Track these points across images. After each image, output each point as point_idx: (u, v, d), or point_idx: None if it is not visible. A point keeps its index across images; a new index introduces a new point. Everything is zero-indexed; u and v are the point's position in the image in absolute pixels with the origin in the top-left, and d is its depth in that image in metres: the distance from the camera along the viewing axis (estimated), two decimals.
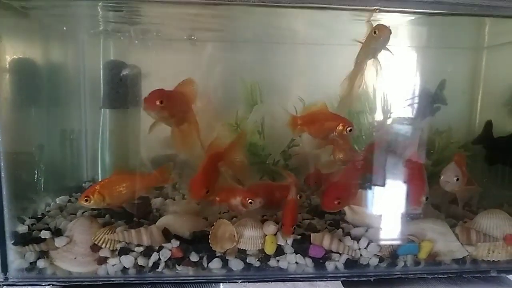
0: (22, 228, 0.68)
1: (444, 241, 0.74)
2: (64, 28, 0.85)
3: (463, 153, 0.83)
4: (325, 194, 0.72)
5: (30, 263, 0.66)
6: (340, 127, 0.73)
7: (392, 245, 0.72)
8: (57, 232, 0.68)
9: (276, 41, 0.96)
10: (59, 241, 0.66)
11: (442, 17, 0.74)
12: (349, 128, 0.73)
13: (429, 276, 0.73)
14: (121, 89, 0.93)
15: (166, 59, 0.98)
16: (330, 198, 0.70)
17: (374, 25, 0.71)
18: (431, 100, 0.93)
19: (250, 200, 0.69)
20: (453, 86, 0.95)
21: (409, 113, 0.93)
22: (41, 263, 0.66)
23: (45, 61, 0.86)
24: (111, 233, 0.67)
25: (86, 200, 0.66)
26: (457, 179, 0.74)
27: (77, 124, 0.95)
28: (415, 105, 0.93)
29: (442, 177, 0.75)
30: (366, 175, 0.78)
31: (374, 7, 0.62)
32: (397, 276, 0.72)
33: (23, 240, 0.66)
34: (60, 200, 0.84)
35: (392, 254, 0.72)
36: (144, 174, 0.75)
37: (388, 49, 0.73)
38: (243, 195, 0.69)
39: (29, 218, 0.72)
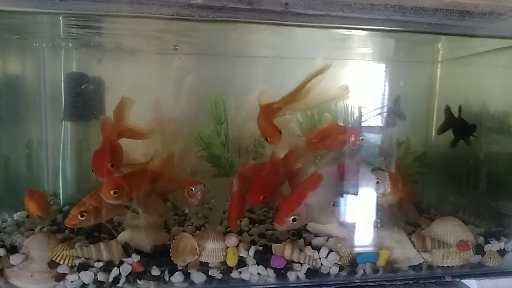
0: None
1: (401, 249, 0.77)
2: (31, 41, 0.84)
3: (400, 172, 0.83)
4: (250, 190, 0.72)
5: None
6: (353, 138, 0.77)
7: (351, 254, 0.74)
8: (12, 249, 0.66)
9: (239, 55, 0.97)
10: (14, 259, 0.65)
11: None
12: (361, 138, 0.77)
13: (387, 283, 0.76)
14: (82, 101, 0.92)
15: (129, 71, 0.98)
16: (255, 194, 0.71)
17: None
18: (390, 114, 0.97)
19: (191, 188, 0.71)
20: (410, 98, 0.99)
21: (371, 122, 0.97)
22: None
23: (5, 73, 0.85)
24: (69, 248, 0.66)
25: None
26: (377, 182, 0.76)
27: (37, 136, 0.93)
28: (377, 115, 0.96)
29: None
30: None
31: None
32: (356, 284, 0.74)
33: None
34: (18, 216, 0.82)
35: (351, 263, 0.74)
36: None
37: None
38: (187, 185, 0.71)
39: None
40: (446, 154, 1.01)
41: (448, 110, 0.96)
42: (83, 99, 0.91)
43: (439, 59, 1.05)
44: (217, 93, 0.89)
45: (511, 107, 0.87)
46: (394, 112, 0.89)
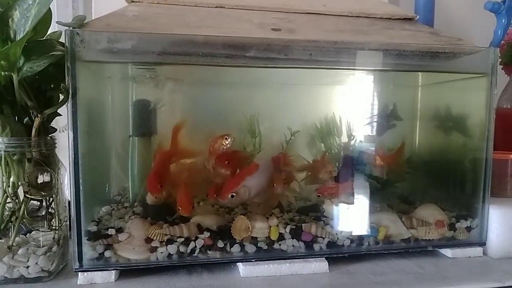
0: (92, 228, 0.90)
1: (394, 227, 0.98)
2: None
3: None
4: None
5: (99, 253, 0.85)
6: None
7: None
8: (118, 230, 0.90)
9: (266, 82, 1.24)
10: (122, 236, 0.87)
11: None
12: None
13: (385, 252, 0.97)
14: (145, 121, 1.17)
15: (175, 97, 1.24)
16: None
17: None
18: (388, 117, 1.24)
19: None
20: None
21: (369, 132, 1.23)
22: (107, 253, 0.85)
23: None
24: (160, 228, 0.89)
25: None
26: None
27: (107, 149, 1.16)
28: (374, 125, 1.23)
29: None
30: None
31: None
32: (363, 252, 0.96)
33: (94, 236, 0.86)
34: (106, 209, 1.05)
35: (359, 237, 0.97)
36: None
37: None
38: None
39: (92, 221, 0.94)
40: (427, 158, 1.28)
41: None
42: (146, 119, 1.17)
43: (419, 84, 1.33)
44: (252, 113, 1.15)
45: (471, 119, 1.11)
46: (393, 115, 1.17)
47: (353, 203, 1.02)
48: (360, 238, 0.97)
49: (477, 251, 1.02)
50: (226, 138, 0.98)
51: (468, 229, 1.04)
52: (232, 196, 0.90)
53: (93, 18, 0.90)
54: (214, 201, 0.98)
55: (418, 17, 1.16)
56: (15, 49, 0.74)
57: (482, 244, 1.02)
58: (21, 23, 0.75)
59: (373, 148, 1.15)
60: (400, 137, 1.19)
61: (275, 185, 0.97)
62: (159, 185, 0.92)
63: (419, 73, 1.29)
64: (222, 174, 0.98)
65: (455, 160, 1.19)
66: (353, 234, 0.97)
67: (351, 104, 1.23)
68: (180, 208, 0.91)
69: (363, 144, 1.18)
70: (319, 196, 1.05)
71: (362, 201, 1.04)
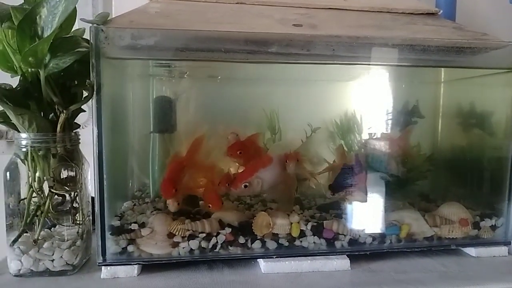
0: (115, 223, 0.91)
1: (417, 225, 0.97)
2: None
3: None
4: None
5: (122, 248, 0.86)
6: None
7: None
8: (141, 225, 0.91)
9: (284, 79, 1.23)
10: (144, 231, 0.88)
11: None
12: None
13: (408, 250, 0.96)
14: (166, 118, 1.18)
15: (195, 94, 1.24)
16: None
17: None
18: (411, 114, 1.22)
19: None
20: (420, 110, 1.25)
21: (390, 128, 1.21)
22: (130, 248, 0.86)
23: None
24: (182, 224, 0.91)
25: None
26: None
27: (130, 145, 1.17)
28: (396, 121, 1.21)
29: None
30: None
31: None
32: (385, 250, 0.95)
33: (117, 231, 0.88)
34: (128, 204, 1.06)
35: (381, 235, 0.97)
36: None
37: None
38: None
39: (114, 216, 0.96)
40: (449, 156, 1.26)
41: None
42: (167, 116, 1.18)
43: (442, 80, 1.30)
44: (272, 109, 1.14)
45: (495, 116, 1.08)
46: (415, 112, 1.15)
47: (366, 201, 0.98)
48: (382, 235, 0.96)
49: (502, 250, 1.00)
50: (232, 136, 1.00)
51: (493, 228, 1.02)
52: (245, 186, 0.89)
53: (113, 16, 0.90)
54: (225, 190, 0.97)
55: (441, 11, 1.14)
56: (42, 46, 0.75)
57: (507, 243, 1.00)
58: (48, 20, 0.76)
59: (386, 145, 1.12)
60: (423, 134, 1.17)
61: (287, 161, 0.95)
62: (173, 189, 0.89)
63: (442, 69, 1.26)
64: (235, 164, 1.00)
65: (479, 158, 1.17)
66: (375, 231, 0.97)
67: (372, 100, 1.21)
68: (210, 205, 0.91)
69: (377, 141, 1.16)
70: (332, 194, 1.04)
71: (383, 199, 1.02)
